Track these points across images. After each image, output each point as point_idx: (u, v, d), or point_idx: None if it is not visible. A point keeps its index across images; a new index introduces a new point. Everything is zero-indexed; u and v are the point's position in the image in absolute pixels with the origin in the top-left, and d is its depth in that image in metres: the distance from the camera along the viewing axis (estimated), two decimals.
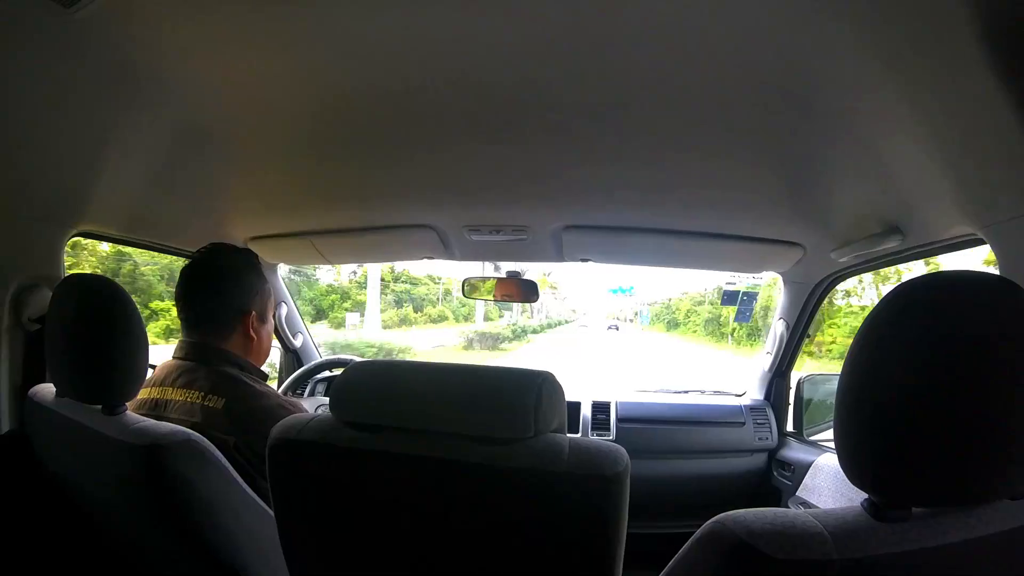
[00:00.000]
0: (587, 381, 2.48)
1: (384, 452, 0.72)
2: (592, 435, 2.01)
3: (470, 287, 2.14)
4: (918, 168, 1.04)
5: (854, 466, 0.57)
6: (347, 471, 0.74)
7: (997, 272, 0.98)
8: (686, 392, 2.35)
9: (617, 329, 34.69)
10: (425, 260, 2.01)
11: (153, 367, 1.16)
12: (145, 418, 0.93)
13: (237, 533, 0.93)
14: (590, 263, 1.91)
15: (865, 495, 0.58)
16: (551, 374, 0.74)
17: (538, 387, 0.70)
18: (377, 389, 0.75)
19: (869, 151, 1.09)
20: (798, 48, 0.87)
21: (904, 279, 0.62)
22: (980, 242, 1.09)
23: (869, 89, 0.92)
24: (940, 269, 0.63)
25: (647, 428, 2.05)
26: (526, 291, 2.06)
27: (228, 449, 0.97)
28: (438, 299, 25.33)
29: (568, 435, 0.73)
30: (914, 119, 0.94)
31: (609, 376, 12.07)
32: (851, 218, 1.39)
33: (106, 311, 0.94)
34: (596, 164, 1.29)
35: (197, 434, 0.89)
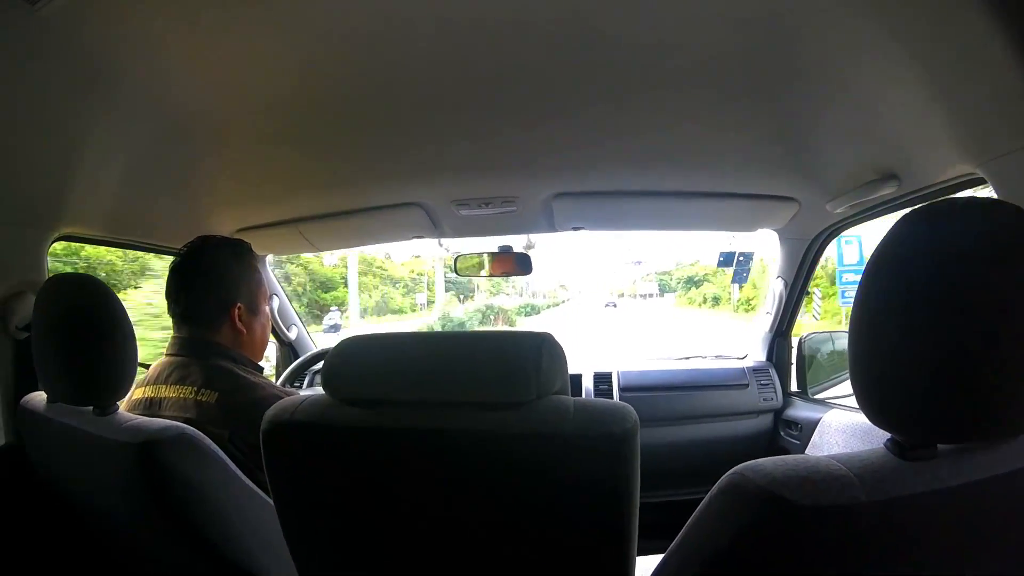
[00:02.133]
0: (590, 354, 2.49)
1: (383, 428, 0.69)
2: None
3: (464, 264, 2.10)
4: (913, 110, 1.02)
5: (875, 406, 0.55)
6: (346, 450, 0.71)
7: None
8: (688, 359, 2.34)
9: (615, 307, 33.29)
10: (414, 240, 2.00)
11: (147, 366, 1.15)
12: (137, 416, 0.91)
13: (241, 527, 0.92)
14: (583, 231, 1.90)
15: (876, 443, 0.57)
16: (551, 335, 0.72)
17: (538, 348, 0.68)
18: (372, 363, 0.73)
19: (862, 98, 1.06)
20: (787, 5, 0.86)
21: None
22: (979, 182, 1.07)
23: (861, 32, 0.91)
24: None
25: (650, 396, 2.04)
26: (520, 264, 2.03)
27: (223, 443, 0.95)
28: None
29: (571, 397, 0.71)
30: (906, 59, 0.92)
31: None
32: (845, 168, 1.37)
33: (90, 310, 0.92)
34: (585, 129, 1.28)
35: (192, 428, 0.88)
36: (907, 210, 0.56)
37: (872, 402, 0.55)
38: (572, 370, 1.95)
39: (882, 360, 0.54)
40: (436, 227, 1.83)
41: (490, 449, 0.67)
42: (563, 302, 35.84)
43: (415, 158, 1.41)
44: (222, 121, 1.18)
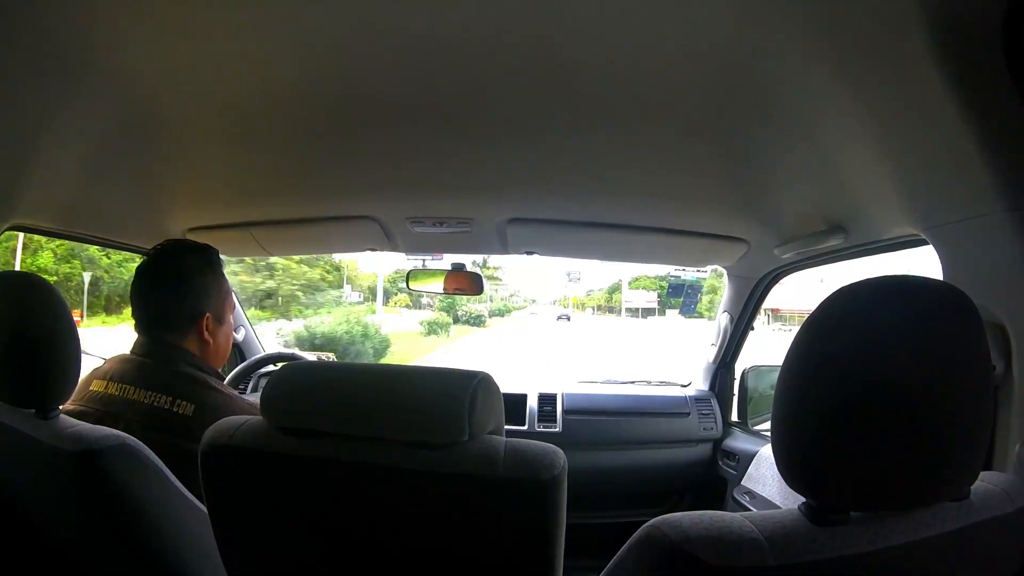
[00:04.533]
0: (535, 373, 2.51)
1: (318, 458, 0.70)
2: (539, 427, 2.02)
3: (415, 279, 2.09)
4: (865, 169, 1.06)
5: (791, 469, 0.57)
6: (281, 477, 0.72)
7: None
8: (633, 383, 2.38)
9: (568, 319, 31.67)
10: (368, 252, 1.99)
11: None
12: (79, 422, 0.90)
13: (178, 538, 0.91)
14: (535, 255, 1.93)
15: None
16: (487, 375, 0.72)
17: (473, 389, 0.69)
18: (310, 393, 0.72)
19: (816, 150, 1.10)
20: (749, 50, 0.88)
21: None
22: (922, 242, 1.11)
23: (818, 91, 0.94)
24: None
25: (593, 420, 2.06)
26: (473, 283, 2.05)
27: (193, 457, 0.94)
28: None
29: (504, 438, 0.72)
30: (862, 121, 0.96)
31: None
32: (795, 215, 1.42)
33: (33, 310, 0.91)
34: (544, 157, 1.29)
35: (132, 438, 0.87)
36: (848, 261, 0.60)
37: (789, 465, 0.57)
38: (517, 390, 2.09)
39: (801, 426, 0.56)
40: (390, 241, 1.82)
41: (420, 487, 0.68)
42: (511, 311, 34.13)
43: (372, 172, 1.41)
44: (181, 120, 1.16)
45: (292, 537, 0.73)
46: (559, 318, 32.12)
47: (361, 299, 22.72)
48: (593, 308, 38.39)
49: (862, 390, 0.54)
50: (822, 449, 0.55)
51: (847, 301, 0.57)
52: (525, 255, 1.92)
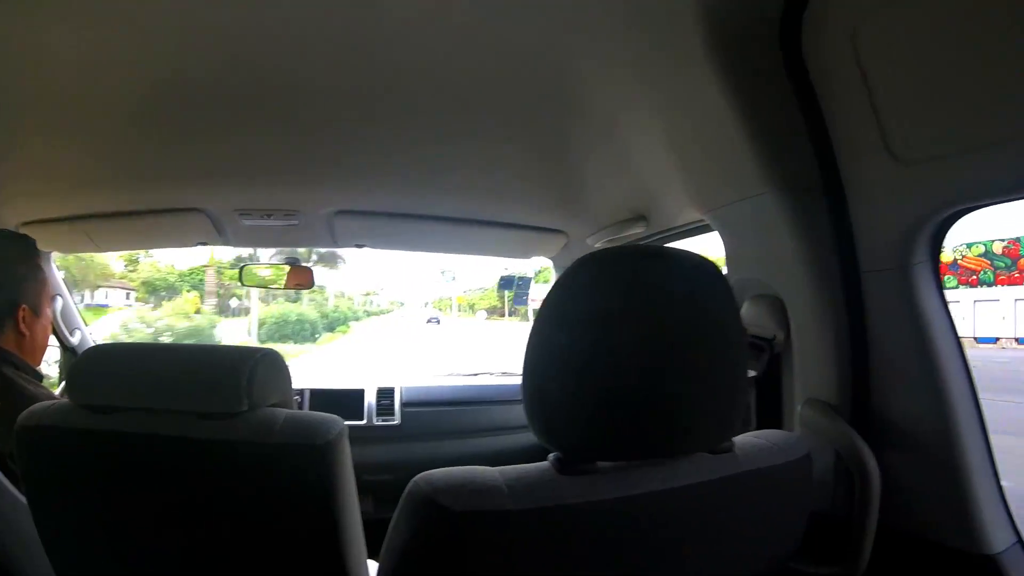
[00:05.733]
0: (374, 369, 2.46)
1: (117, 432, 0.75)
2: (377, 420, 2.01)
3: (250, 275, 2.00)
4: (658, 160, 1.15)
5: (541, 427, 0.62)
6: (87, 453, 0.76)
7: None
8: (476, 375, 2.44)
9: (438, 323, 29.17)
10: (199, 246, 1.94)
11: None
12: None
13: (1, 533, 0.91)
14: (365, 248, 1.94)
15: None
16: (272, 351, 0.80)
17: (253, 363, 0.75)
18: (108, 371, 0.78)
19: (619, 145, 1.19)
20: (557, 51, 0.94)
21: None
22: (709, 228, 1.22)
23: (618, 90, 1.02)
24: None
25: (432, 411, 2.07)
26: (304, 278, 2.01)
27: (3, 459, 0.94)
28: None
29: (286, 410, 0.78)
30: (653, 116, 1.05)
31: None
32: (605, 207, 1.53)
33: None
34: (366, 150, 1.32)
35: None
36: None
37: (539, 424, 0.62)
38: (355, 385, 2.09)
39: (549, 387, 0.61)
40: (220, 235, 1.76)
41: (208, 455, 0.74)
42: (362, 318, 29.25)
43: (198, 162, 1.38)
44: (11, 106, 1.11)
45: (102, 510, 0.77)
46: (428, 321, 29.71)
47: (130, 299, 19.39)
48: (487, 310, 31.70)
49: (605, 352, 0.59)
50: (568, 407, 0.61)
51: (590, 267, 0.62)
52: (355, 248, 1.92)
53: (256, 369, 0.74)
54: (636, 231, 1.49)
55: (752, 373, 1.07)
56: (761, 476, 0.70)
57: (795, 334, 0.99)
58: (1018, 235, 8.96)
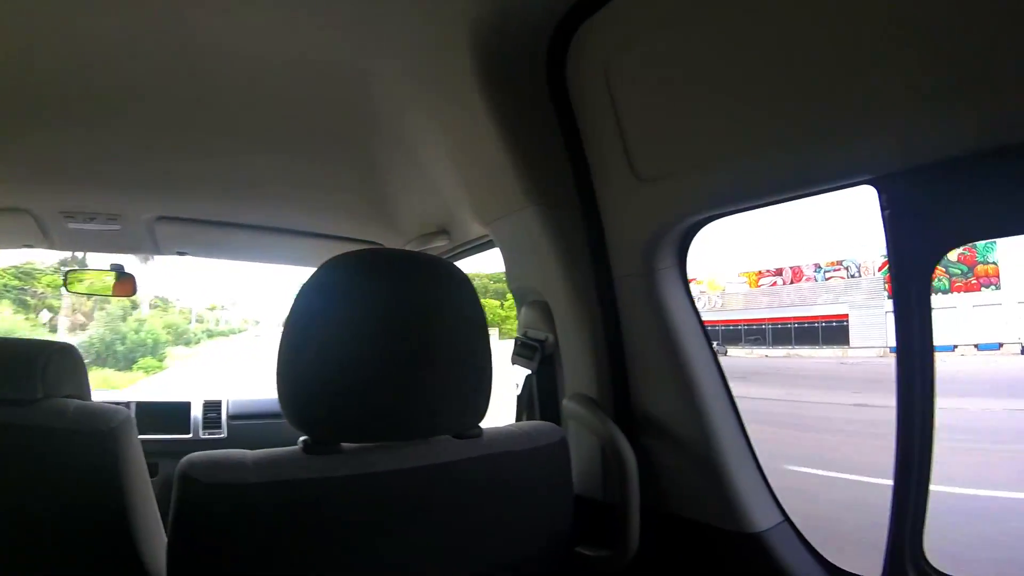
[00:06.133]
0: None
1: None
2: (203, 434, 2.01)
3: (76, 280, 1.92)
4: (449, 178, 1.23)
5: (292, 412, 0.68)
6: None
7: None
8: None
9: None
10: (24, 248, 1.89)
11: None
12: None
13: None
14: (188, 256, 1.94)
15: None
16: (70, 346, 0.88)
17: (47, 356, 0.83)
18: None
19: (418, 163, 1.27)
20: (353, 76, 1.02)
21: None
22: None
23: (411, 112, 1.11)
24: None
25: (259, 424, 2.09)
26: (127, 286, 1.94)
27: None
28: None
29: (79, 401, 0.85)
30: (439, 139, 1.14)
31: None
32: (413, 220, 1.60)
33: None
34: (188, 156, 1.33)
35: None
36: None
37: (290, 409, 0.68)
38: (181, 398, 2.08)
39: (298, 377, 0.68)
40: (46, 237, 1.72)
41: (8, 440, 0.79)
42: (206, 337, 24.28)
43: (24, 161, 1.35)
44: None
45: None
46: None
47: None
48: None
49: (348, 345, 0.67)
50: (315, 394, 0.67)
51: (337, 267, 0.69)
52: (177, 255, 1.92)
53: (51, 361, 0.83)
54: (440, 244, 1.56)
55: (528, 372, 1.17)
56: (510, 459, 0.78)
57: (560, 335, 1.07)
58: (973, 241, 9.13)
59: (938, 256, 0.73)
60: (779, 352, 11.48)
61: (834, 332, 10.93)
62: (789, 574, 0.83)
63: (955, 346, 9.10)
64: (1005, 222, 0.69)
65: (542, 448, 0.81)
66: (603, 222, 0.98)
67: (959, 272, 9.27)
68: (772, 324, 11.83)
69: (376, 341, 0.68)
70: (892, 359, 0.73)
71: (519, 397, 1.21)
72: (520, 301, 1.18)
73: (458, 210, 1.36)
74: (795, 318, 11.57)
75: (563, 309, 1.03)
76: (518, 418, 1.21)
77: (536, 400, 1.16)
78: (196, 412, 2.03)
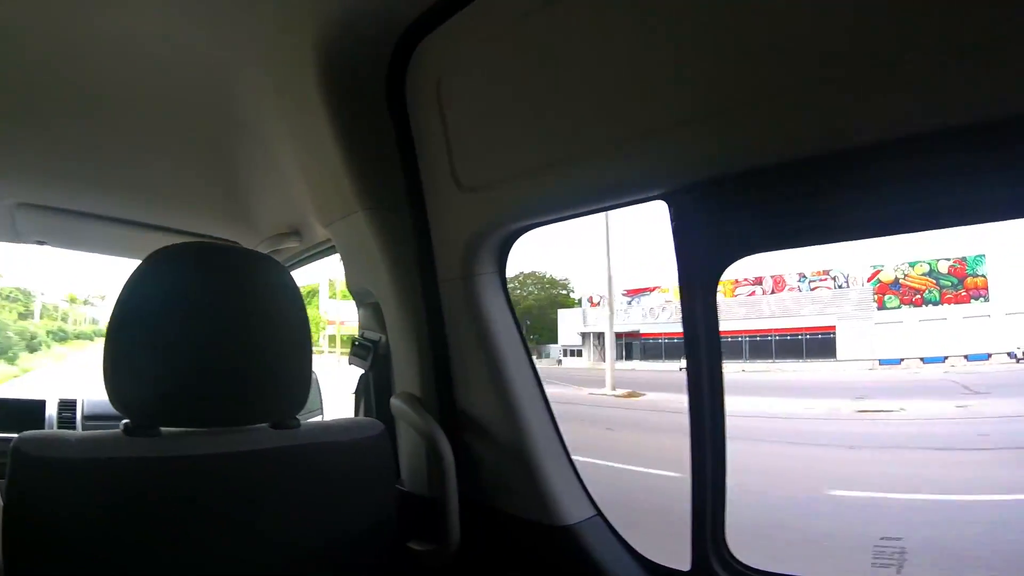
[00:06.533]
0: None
1: None
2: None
3: None
4: (299, 182, 1.22)
5: (115, 396, 0.74)
6: None
7: None
8: None
9: None
10: None
11: None
12: None
13: None
14: (47, 247, 1.90)
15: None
16: None
17: None
18: None
19: (276, 167, 1.28)
20: (209, 76, 1.04)
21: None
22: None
23: (262, 116, 1.12)
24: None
25: (116, 426, 1.65)
26: None
27: None
28: None
29: None
30: (284, 144, 1.16)
31: None
32: (265, 220, 1.61)
33: None
34: (51, 143, 1.29)
35: None
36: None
37: (114, 394, 0.74)
38: (37, 396, 1.97)
39: (121, 359, 0.73)
40: None
41: None
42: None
43: None
44: None
45: None
46: None
47: None
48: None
49: (169, 335, 0.73)
50: (135, 380, 0.74)
51: (164, 257, 0.75)
52: (37, 245, 1.87)
53: None
54: (292, 245, 1.57)
55: (362, 370, 1.22)
56: (327, 449, 0.85)
57: (390, 336, 1.11)
58: (964, 254, 9.74)
59: (722, 268, 0.77)
60: (757, 367, 10.71)
61: (819, 344, 10.57)
62: (600, 565, 0.88)
63: (945, 357, 9.08)
64: (788, 235, 0.73)
65: (360, 441, 0.88)
66: (430, 228, 1.03)
67: (949, 284, 9.74)
68: (750, 336, 11.22)
69: (196, 330, 0.74)
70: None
71: (355, 394, 1.25)
72: (358, 303, 1.24)
73: (307, 212, 1.38)
74: (777, 330, 11.13)
75: (392, 311, 1.07)
76: (355, 415, 1.24)
77: (372, 398, 1.20)
78: (51, 411, 1.90)
